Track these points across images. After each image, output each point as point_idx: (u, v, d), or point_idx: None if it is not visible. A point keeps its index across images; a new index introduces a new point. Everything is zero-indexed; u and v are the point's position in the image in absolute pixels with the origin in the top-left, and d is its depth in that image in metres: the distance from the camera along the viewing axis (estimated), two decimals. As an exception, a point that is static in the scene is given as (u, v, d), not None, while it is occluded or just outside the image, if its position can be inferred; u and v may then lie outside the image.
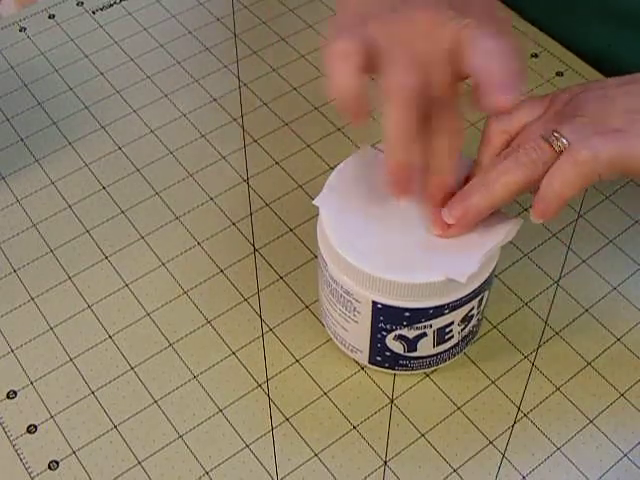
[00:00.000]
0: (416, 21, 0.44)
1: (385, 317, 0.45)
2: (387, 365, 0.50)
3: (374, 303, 0.45)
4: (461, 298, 0.45)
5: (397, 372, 0.50)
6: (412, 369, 0.50)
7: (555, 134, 0.43)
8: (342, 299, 0.46)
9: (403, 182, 0.44)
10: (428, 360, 0.49)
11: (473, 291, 0.45)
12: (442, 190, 0.45)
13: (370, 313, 0.46)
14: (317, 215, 0.58)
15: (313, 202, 0.46)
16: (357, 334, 0.48)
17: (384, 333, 0.47)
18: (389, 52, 0.43)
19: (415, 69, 0.43)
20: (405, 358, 0.49)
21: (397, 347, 0.48)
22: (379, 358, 0.49)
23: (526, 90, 0.64)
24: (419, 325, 0.46)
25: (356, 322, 0.47)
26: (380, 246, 0.44)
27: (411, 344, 0.47)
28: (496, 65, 0.42)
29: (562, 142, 0.43)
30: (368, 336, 0.47)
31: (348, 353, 0.51)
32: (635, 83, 0.45)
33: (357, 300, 0.45)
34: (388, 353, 0.48)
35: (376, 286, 0.44)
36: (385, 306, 0.45)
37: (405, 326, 0.46)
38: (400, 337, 0.47)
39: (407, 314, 0.45)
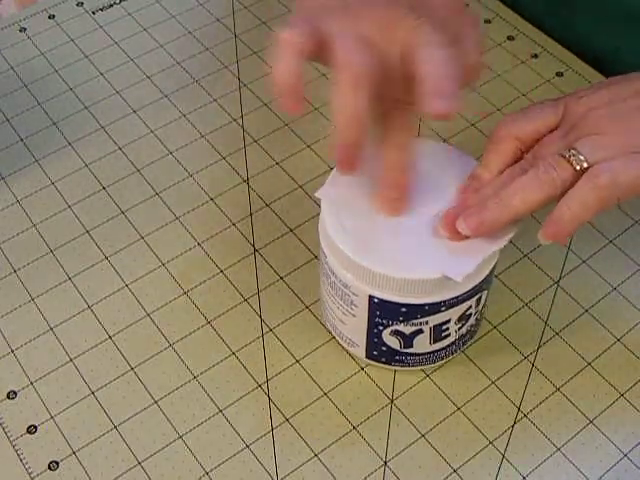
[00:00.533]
0: (371, 18, 0.44)
1: (381, 312, 0.46)
2: (384, 360, 0.50)
3: (371, 297, 0.45)
4: (457, 296, 0.45)
5: (393, 367, 0.50)
6: (409, 365, 0.50)
7: (574, 152, 0.43)
8: (340, 292, 0.47)
9: (348, 160, 0.43)
10: (424, 357, 0.49)
11: (470, 290, 0.45)
12: (395, 184, 0.45)
13: (367, 307, 0.46)
14: (317, 215, 0.58)
15: (315, 194, 0.46)
16: (354, 328, 0.48)
17: (380, 328, 0.47)
18: (341, 38, 0.42)
19: (368, 50, 0.42)
20: (401, 354, 0.49)
21: (393, 342, 0.48)
22: (376, 353, 0.49)
23: (526, 90, 0.64)
24: (415, 321, 0.46)
25: (354, 316, 0.47)
26: (379, 241, 0.44)
27: (407, 340, 0.47)
28: (435, 71, 0.41)
29: (581, 161, 0.42)
30: (365, 330, 0.48)
31: (346, 347, 0.51)
32: None
33: (355, 294, 0.46)
34: (384, 348, 0.48)
35: (373, 280, 0.44)
36: (382, 301, 0.45)
37: (401, 321, 0.46)
38: (396, 332, 0.47)
39: (403, 309, 0.45)
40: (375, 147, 0.45)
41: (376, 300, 0.45)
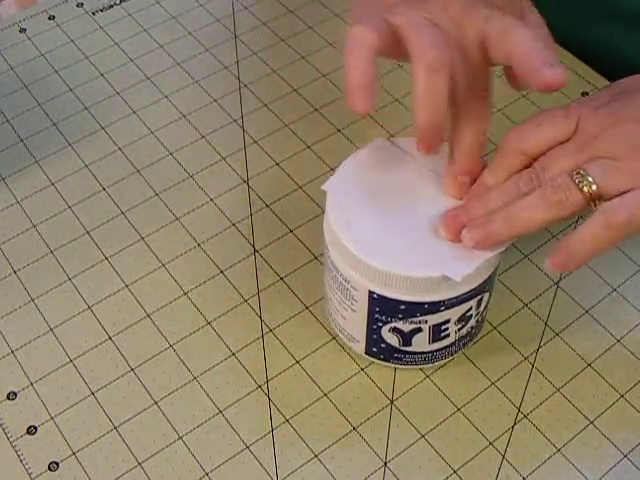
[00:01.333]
0: (445, 6, 0.44)
1: (381, 308, 0.46)
2: (382, 357, 0.50)
3: (371, 293, 0.45)
4: (457, 296, 0.45)
5: (392, 365, 0.50)
6: (407, 364, 0.50)
7: (584, 173, 0.42)
8: (342, 287, 0.47)
9: (428, 141, 0.44)
10: (423, 356, 0.49)
11: (470, 291, 0.45)
12: (467, 170, 0.45)
13: (367, 303, 0.46)
14: (317, 216, 0.58)
15: (322, 187, 0.46)
16: (355, 323, 0.48)
17: (380, 324, 0.47)
18: (414, 28, 0.43)
19: (443, 36, 0.42)
20: (400, 352, 0.49)
21: (392, 340, 0.48)
22: (375, 349, 0.49)
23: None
24: (414, 319, 0.46)
25: (354, 311, 0.47)
26: (382, 237, 0.44)
27: (406, 338, 0.47)
28: (535, 46, 0.42)
29: (591, 183, 0.42)
30: (365, 326, 0.48)
31: (346, 342, 0.51)
32: None
33: (355, 289, 0.46)
34: (384, 345, 0.48)
35: (373, 276, 0.44)
36: (381, 297, 0.45)
37: (400, 319, 0.46)
38: (395, 330, 0.47)
39: (402, 307, 0.45)
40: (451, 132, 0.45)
41: (376, 296, 0.45)
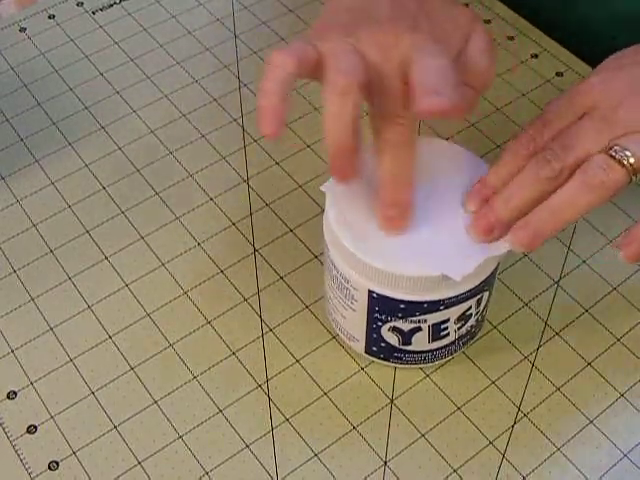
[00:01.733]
0: (370, 35, 0.43)
1: (380, 307, 0.46)
2: (382, 356, 0.50)
3: (370, 292, 0.45)
4: (457, 296, 0.45)
5: (392, 364, 0.50)
6: (407, 363, 0.50)
7: (618, 148, 0.42)
8: (341, 286, 0.47)
9: (341, 169, 0.43)
10: (423, 355, 0.49)
11: (470, 290, 0.45)
12: (394, 202, 0.44)
13: (366, 302, 0.46)
14: (317, 215, 0.58)
15: (321, 188, 0.46)
16: (354, 322, 0.48)
17: (379, 323, 0.47)
18: (333, 53, 0.42)
19: (357, 61, 0.42)
20: (400, 351, 0.49)
21: (392, 339, 0.48)
22: (375, 348, 0.49)
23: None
24: (414, 318, 0.46)
25: (354, 310, 0.47)
26: (381, 236, 0.44)
27: (406, 337, 0.47)
28: (430, 77, 0.41)
29: (628, 157, 0.41)
30: (364, 325, 0.48)
31: (346, 341, 0.51)
32: None
33: (355, 288, 0.46)
34: (383, 344, 0.49)
35: (372, 275, 0.44)
36: (380, 296, 0.45)
37: (400, 318, 0.46)
38: (395, 329, 0.47)
39: (402, 306, 0.45)
40: (375, 163, 0.45)
41: (375, 295, 0.45)
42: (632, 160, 0.41)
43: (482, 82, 0.46)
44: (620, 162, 0.41)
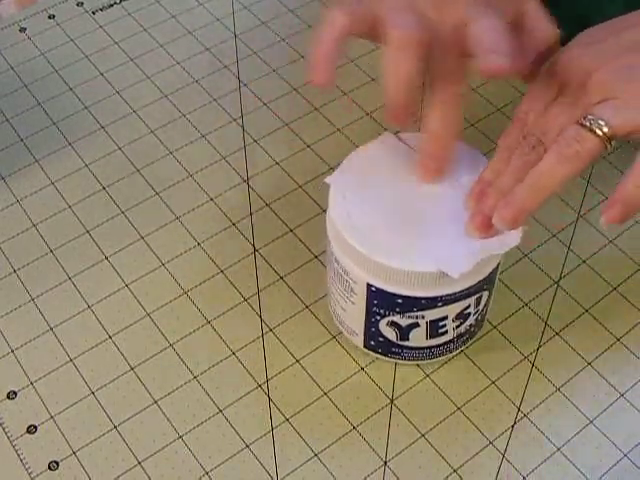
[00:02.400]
0: None
1: (379, 301, 0.46)
2: (380, 351, 0.50)
3: (369, 285, 0.45)
4: (454, 293, 0.45)
5: (391, 360, 0.50)
6: (405, 359, 0.50)
7: (592, 118, 0.42)
8: (341, 279, 0.47)
9: (397, 118, 0.44)
10: (421, 352, 0.49)
11: (468, 288, 0.45)
12: (435, 155, 0.46)
13: (365, 295, 0.46)
14: (317, 215, 0.58)
15: (325, 180, 0.47)
16: (354, 316, 0.48)
17: (378, 317, 0.47)
18: (392, 12, 0.44)
19: (417, 19, 0.44)
20: (398, 346, 0.49)
21: (390, 333, 0.48)
22: (373, 343, 0.50)
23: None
24: (411, 314, 0.46)
25: (353, 303, 0.47)
26: (382, 230, 0.45)
27: (403, 332, 0.48)
28: (489, 37, 0.43)
29: (602, 126, 0.42)
30: (363, 319, 0.48)
31: (346, 334, 0.51)
32: None
33: (354, 281, 0.46)
34: (381, 339, 0.49)
35: (370, 268, 0.44)
36: (379, 290, 0.45)
37: (397, 313, 0.46)
38: (393, 324, 0.47)
39: (399, 301, 0.45)
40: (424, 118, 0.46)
41: (374, 289, 0.45)
42: (606, 129, 0.42)
43: (549, 50, 0.46)
44: (593, 131, 0.42)
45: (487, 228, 0.44)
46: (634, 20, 0.45)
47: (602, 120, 0.42)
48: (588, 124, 0.42)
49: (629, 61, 0.43)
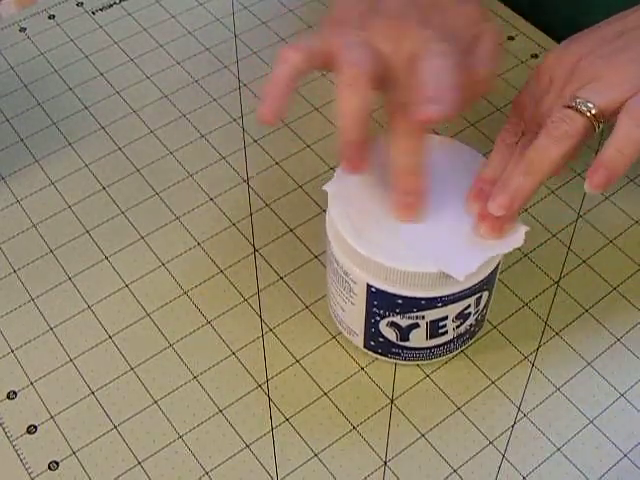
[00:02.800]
0: (381, 29, 0.45)
1: (379, 302, 0.46)
2: (380, 351, 0.50)
3: (369, 286, 0.45)
4: (454, 294, 0.45)
5: (391, 360, 0.50)
6: (405, 359, 0.50)
7: (579, 100, 0.43)
8: (341, 279, 0.47)
9: (352, 160, 0.44)
10: (421, 352, 0.49)
11: (468, 289, 0.45)
12: (408, 189, 0.45)
13: (365, 296, 0.46)
14: (317, 215, 0.58)
15: (323, 187, 0.47)
16: (354, 316, 0.48)
17: (378, 318, 0.47)
18: (345, 46, 0.44)
19: (368, 53, 0.43)
20: (398, 347, 0.49)
21: (390, 334, 0.48)
22: (373, 343, 0.50)
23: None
24: (411, 314, 0.46)
25: (353, 304, 0.48)
26: (382, 231, 0.45)
27: (404, 333, 0.48)
28: (430, 79, 0.42)
29: (590, 107, 0.43)
30: (363, 319, 0.48)
31: (346, 335, 0.51)
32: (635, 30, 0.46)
33: (354, 281, 0.46)
34: (381, 339, 0.49)
35: (370, 269, 0.44)
36: (379, 290, 0.45)
37: (397, 313, 0.46)
38: (393, 324, 0.47)
39: (399, 301, 0.45)
40: (387, 152, 0.45)
41: (374, 289, 0.45)
42: (593, 110, 0.43)
43: (483, 87, 0.47)
44: (579, 111, 0.43)
45: (500, 228, 0.44)
46: (617, 18, 0.47)
47: (588, 101, 0.43)
48: (574, 104, 0.43)
49: (612, 47, 0.45)
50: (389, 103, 0.45)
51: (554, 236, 0.57)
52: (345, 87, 0.43)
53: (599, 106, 0.43)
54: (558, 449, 0.48)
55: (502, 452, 0.48)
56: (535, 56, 0.67)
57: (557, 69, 0.46)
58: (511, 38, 0.69)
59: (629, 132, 0.42)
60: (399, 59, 0.44)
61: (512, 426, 0.49)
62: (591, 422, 0.49)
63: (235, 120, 0.64)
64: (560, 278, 0.55)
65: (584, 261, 0.56)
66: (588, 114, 0.43)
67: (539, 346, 0.52)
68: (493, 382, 0.51)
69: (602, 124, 0.43)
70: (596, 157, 0.43)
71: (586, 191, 0.43)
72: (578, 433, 0.49)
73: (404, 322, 0.47)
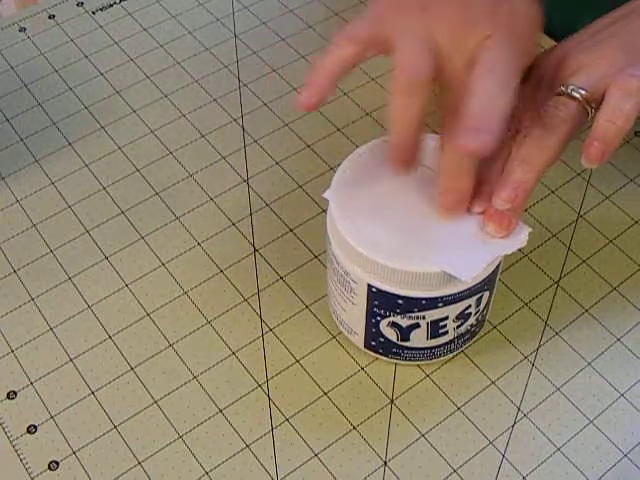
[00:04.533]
0: (443, 20, 0.44)
1: (379, 302, 0.46)
2: (381, 351, 0.50)
3: (369, 286, 0.45)
4: (455, 294, 0.45)
5: (391, 360, 0.50)
6: (405, 359, 0.50)
7: (571, 86, 0.43)
8: (342, 279, 0.47)
9: (401, 161, 0.44)
10: (421, 352, 0.49)
11: (469, 289, 0.45)
12: (454, 188, 0.44)
13: (366, 296, 0.46)
14: (317, 215, 0.58)
15: (323, 195, 0.47)
16: (354, 316, 0.48)
17: (378, 318, 0.47)
18: (403, 39, 0.43)
19: (428, 55, 0.42)
20: (398, 347, 0.49)
21: (391, 334, 0.48)
22: (374, 343, 0.50)
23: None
24: (412, 315, 0.46)
25: (353, 304, 0.47)
26: (382, 232, 0.45)
27: (404, 333, 0.48)
28: (479, 104, 0.41)
29: (581, 92, 0.43)
30: (364, 319, 0.48)
31: (346, 334, 0.51)
32: (624, 19, 0.46)
33: (354, 281, 0.46)
34: (382, 339, 0.49)
35: (370, 269, 0.44)
36: (379, 290, 0.45)
37: (398, 314, 0.46)
38: (394, 324, 0.47)
39: (400, 301, 0.45)
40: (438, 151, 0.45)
41: (374, 289, 0.45)
42: (582, 92, 0.43)
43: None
44: (570, 96, 0.43)
45: (507, 225, 0.44)
46: (608, 15, 0.48)
47: (578, 86, 0.43)
48: (565, 89, 0.43)
49: (598, 37, 0.45)
50: (443, 103, 0.44)
51: (554, 236, 0.57)
52: (401, 95, 0.42)
53: (587, 88, 0.43)
54: (558, 449, 0.48)
55: (502, 452, 0.48)
56: (535, 56, 0.67)
57: (549, 67, 0.46)
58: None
59: (618, 102, 0.42)
60: (460, 59, 0.43)
61: (512, 426, 0.49)
62: (591, 422, 0.49)
63: (235, 120, 0.64)
64: (560, 278, 0.55)
65: (584, 261, 0.56)
66: (580, 98, 0.43)
67: (539, 346, 0.52)
68: (493, 382, 0.51)
69: (594, 109, 0.44)
70: (590, 131, 0.43)
71: (583, 165, 0.44)
72: (578, 433, 0.49)
73: (405, 322, 0.47)
